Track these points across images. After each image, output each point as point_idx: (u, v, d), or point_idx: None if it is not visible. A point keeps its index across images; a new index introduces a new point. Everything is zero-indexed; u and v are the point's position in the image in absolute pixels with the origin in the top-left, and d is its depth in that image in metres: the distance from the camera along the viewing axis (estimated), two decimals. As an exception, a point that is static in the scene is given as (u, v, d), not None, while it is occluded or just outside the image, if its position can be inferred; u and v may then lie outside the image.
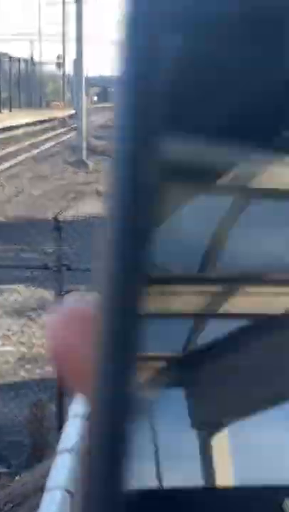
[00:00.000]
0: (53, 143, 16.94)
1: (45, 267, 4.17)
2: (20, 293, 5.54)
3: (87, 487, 0.13)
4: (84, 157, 13.03)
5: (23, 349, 4.77)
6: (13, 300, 5.47)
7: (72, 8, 19.71)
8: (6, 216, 8.21)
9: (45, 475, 2.02)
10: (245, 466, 0.14)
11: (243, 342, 0.15)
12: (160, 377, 0.14)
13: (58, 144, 16.91)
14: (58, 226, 3.98)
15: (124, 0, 0.13)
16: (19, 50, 30.74)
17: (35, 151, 14.78)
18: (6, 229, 7.19)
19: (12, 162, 12.92)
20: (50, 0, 32.35)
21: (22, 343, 4.84)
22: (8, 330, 5.04)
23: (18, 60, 23.67)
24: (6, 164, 12.43)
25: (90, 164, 12.39)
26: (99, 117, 21.98)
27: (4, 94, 21.42)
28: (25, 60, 26.01)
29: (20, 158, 13.53)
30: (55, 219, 4.06)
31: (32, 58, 28.84)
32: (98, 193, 8.72)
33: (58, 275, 3.91)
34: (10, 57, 22.16)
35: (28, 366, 4.52)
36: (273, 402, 0.15)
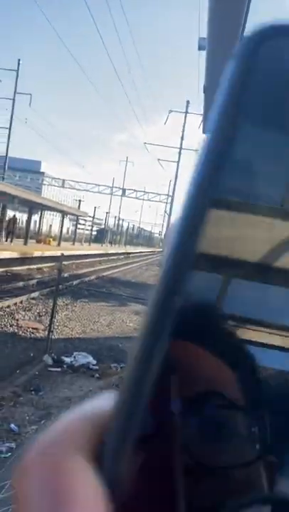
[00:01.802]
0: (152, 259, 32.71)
1: (145, 300, 15.64)
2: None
3: None
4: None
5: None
6: (134, 309, 17.24)
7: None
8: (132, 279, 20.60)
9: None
10: None
11: None
12: None
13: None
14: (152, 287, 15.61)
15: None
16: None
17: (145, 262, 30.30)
18: (131, 284, 19.42)
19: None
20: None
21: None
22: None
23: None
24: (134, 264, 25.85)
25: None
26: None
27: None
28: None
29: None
30: (151, 285, 15.70)
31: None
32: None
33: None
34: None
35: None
36: None
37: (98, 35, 46.56)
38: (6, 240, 27.81)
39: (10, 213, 44.00)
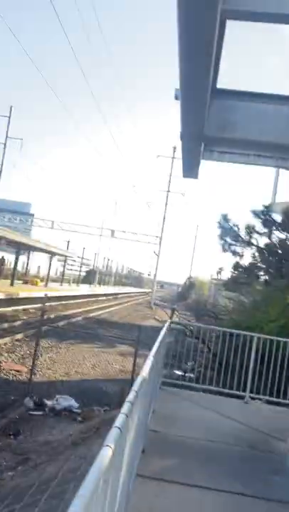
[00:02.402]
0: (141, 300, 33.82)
1: (132, 340, 15.60)
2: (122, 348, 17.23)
3: None
4: (152, 305, 29.25)
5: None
6: (120, 350, 17.05)
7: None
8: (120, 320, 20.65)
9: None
10: None
11: None
12: None
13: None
14: (140, 328, 15.52)
15: None
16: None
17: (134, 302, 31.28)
18: (118, 325, 19.34)
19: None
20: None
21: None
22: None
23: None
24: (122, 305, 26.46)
25: (154, 307, 27.49)
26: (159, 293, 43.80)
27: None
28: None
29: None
30: (139, 326, 15.63)
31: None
32: (154, 319, 21.20)
33: (136, 343, 15.40)
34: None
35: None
36: None
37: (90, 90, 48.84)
38: (-7, 281, 27.71)
39: (-2, 254, 43.98)
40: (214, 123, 6.03)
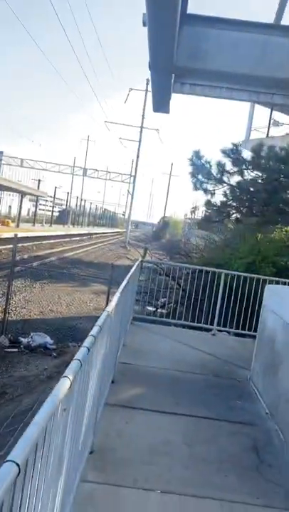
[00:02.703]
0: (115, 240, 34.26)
1: (105, 279, 15.80)
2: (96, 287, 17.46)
3: None
4: (126, 244, 29.68)
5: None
6: (94, 289, 17.30)
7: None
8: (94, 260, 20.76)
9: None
10: None
11: None
12: None
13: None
14: (113, 266, 15.68)
15: None
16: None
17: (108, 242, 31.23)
18: (93, 265, 19.46)
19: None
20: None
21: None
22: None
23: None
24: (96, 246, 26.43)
25: (128, 247, 27.58)
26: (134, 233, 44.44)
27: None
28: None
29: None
30: (112, 264, 15.81)
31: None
32: (128, 258, 21.30)
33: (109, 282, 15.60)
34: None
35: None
36: None
37: (54, 12, 45.11)
38: None
39: None
40: (184, 52, 5.72)
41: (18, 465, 0.95)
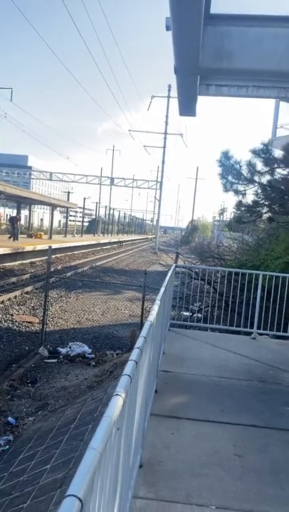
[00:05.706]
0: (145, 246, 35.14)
1: (139, 286, 15.80)
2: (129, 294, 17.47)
3: None
4: (156, 250, 30.12)
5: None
6: (128, 296, 17.32)
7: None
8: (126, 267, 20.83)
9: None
10: None
11: None
12: None
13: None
14: (145, 272, 15.65)
15: None
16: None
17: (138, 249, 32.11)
18: (125, 272, 19.52)
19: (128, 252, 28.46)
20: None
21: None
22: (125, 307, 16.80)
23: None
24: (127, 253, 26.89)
25: (158, 253, 27.83)
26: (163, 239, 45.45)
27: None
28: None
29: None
30: (145, 271, 15.78)
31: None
32: (160, 264, 21.08)
33: (143, 289, 15.57)
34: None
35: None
36: None
37: (75, 28, 45.68)
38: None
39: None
40: (209, 53, 5.63)
41: (80, 500, 0.89)
